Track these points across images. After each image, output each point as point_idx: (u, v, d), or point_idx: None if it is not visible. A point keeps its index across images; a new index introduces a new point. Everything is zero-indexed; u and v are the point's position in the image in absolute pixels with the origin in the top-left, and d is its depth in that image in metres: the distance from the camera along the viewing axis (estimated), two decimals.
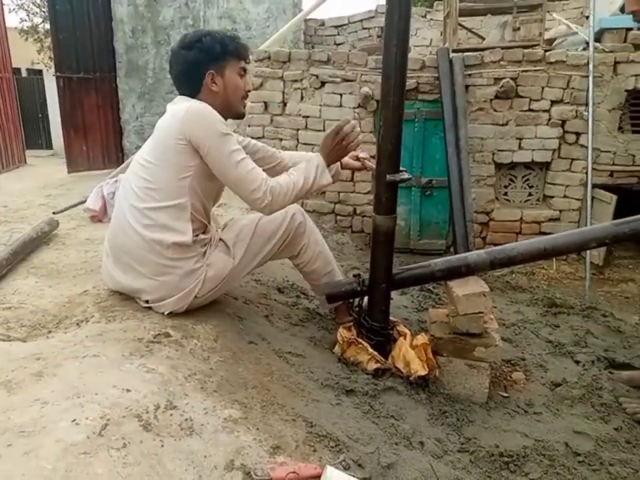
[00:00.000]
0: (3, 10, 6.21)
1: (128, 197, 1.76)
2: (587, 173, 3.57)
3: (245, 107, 1.88)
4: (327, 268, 2.06)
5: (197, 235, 1.77)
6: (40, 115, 11.47)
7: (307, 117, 3.85)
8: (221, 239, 1.89)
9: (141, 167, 1.75)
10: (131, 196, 1.74)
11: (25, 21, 12.16)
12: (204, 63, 1.72)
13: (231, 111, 1.81)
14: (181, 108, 1.67)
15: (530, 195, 3.88)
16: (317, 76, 3.78)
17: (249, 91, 1.86)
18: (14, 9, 11.89)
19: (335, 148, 1.80)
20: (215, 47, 1.72)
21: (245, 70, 1.82)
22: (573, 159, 3.67)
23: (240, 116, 1.88)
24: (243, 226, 1.92)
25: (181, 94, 1.80)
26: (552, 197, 3.77)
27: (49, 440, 1.05)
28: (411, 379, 1.81)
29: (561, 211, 3.74)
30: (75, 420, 1.12)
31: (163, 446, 1.13)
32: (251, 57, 1.89)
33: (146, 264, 1.72)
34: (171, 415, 1.24)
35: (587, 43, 3.55)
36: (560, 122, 3.62)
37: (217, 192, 1.90)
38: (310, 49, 6.09)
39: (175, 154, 1.66)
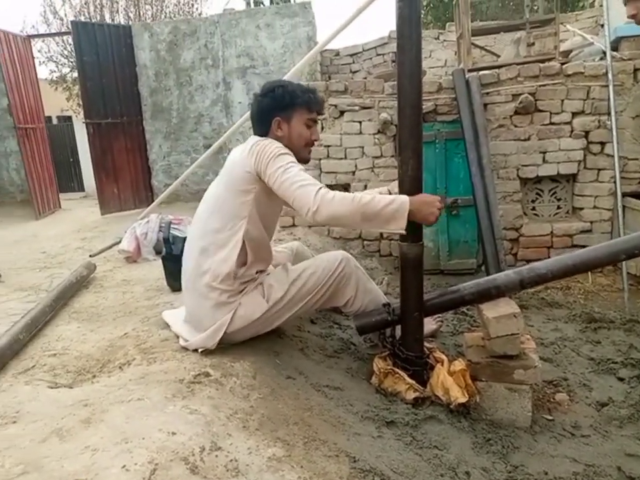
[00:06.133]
0: (35, 68, 6.54)
1: (196, 229, 1.96)
2: (615, 182, 3.52)
3: (310, 153, 2.00)
4: None
5: (240, 267, 1.85)
6: (71, 160, 11.91)
7: (329, 146, 3.92)
8: (261, 283, 1.93)
9: (210, 198, 1.94)
10: (199, 229, 1.93)
11: (55, 72, 12.80)
12: (273, 110, 1.90)
13: (294, 155, 1.87)
14: (250, 143, 1.86)
15: (559, 207, 3.82)
16: (335, 106, 3.85)
17: (315, 140, 1.97)
18: (44, 62, 12.53)
19: (430, 208, 1.74)
20: (285, 97, 1.89)
21: (313, 121, 1.96)
22: (599, 169, 3.63)
23: (303, 161, 1.97)
24: (285, 274, 1.95)
25: (254, 133, 1.98)
26: (581, 208, 3.72)
27: None
28: (451, 406, 1.79)
29: (592, 222, 3.68)
30: (124, 466, 1.15)
31: None
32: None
33: (192, 284, 1.91)
34: (216, 456, 1.25)
35: (604, 53, 3.53)
36: (583, 133, 3.59)
37: (275, 221, 2.04)
38: (327, 78, 6.22)
39: (240, 180, 1.83)
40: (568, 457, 1.69)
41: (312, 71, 5.71)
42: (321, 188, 1.69)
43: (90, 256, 3.66)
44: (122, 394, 1.51)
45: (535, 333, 2.70)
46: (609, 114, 3.50)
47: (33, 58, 6.60)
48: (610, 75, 3.44)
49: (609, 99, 3.48)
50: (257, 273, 1.96)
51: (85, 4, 12.23)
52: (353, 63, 6.50)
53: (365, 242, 3.99)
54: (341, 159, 3.91)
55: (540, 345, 2.51)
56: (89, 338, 2.05)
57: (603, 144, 3.59)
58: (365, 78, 5.87)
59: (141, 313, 2.30)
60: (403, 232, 1.75)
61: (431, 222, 1.76)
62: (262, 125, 1.93)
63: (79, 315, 2.36)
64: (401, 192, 1.90)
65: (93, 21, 11.53)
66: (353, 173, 3.91)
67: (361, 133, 3.87)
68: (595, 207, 3.68)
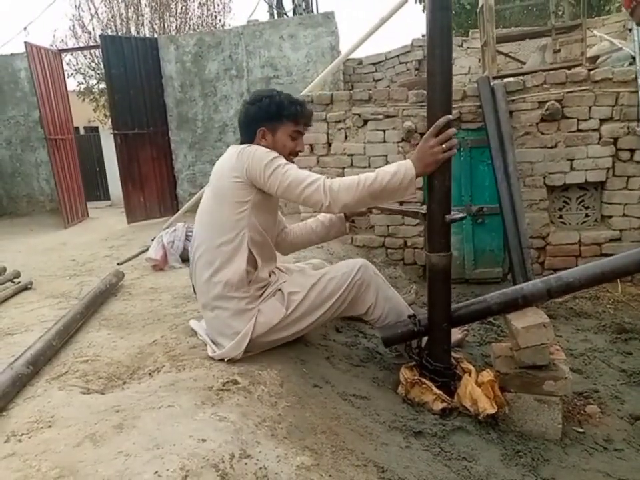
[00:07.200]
0: (65, 81, 6.73)
1: (195, 241, 1.97)
2: None
3: (293, 162, 1.98)
4: None
5: (250, 271, 1.86)
6: (97, 169, 12.18)
7: (352, 155, 3.93)
8: (279, 289, 1.95)
9: (205, 214, 1.94)
10: (201, 246, 1.92)
11: (82, 84, 13.13)
12: (259, 120, 1.89)
13: None
14: (235, 151, 1.86)
15: (587, 216, 3.76)
16: (359, 115, 3.87)
17: (299, 151, 1.98)
18: (72, 74, 12.88)
19: (429, 149, 1.75)
20: (271, 108, 1.87)
21: (299, 132, 1.95)
22: (629, 177, 3.56)
23: None
24: (304, 278, 1.98)
25: (240, 139, 1.98)
26: (610, 216, 3.65)
27: None
28: (479, 417, 1.77)
29: (621, 230, 3.61)
30: (156, 472, 1.17)
31: None
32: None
33: (204, 295, 1.92)
34: (246, 464, 1.26)
35: (634, 58, 3.48)
36: (612, 140, 3.53)
37: (273, 220, 2.01)
38: (349, 87, 6.25)
39: (232, 191, 1.82)
40: (601, 471, 1.65)
41: (335, 80, 5.74)
42: (324, 181, 1.73)
43: (117, 264, 3.73)
44: (152, 400, 1.54)
45: (564, 343, 2.65)
46: (638, 120, 3.44)
47: (63, 71, 6.79)
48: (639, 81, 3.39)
49: (638, 104, 3.42)
50: (269, 275, 1.99)
51: (112, 17, 12.54)
52: (376, 71, 6.51)
53: (389, 250, 3.98)
54: (365, 167, 3.91)
55: (569, 356, 2.47)
56: (118, 345, 2.08)
57: (632, 151, 3.52)
58: (388, 86, 5.88)
59: (169, 321, 2.33)
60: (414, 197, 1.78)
61: (440, 160, 1.76)
62: (247, 132, 1.93)
63: (109, 322, 2.41)
64: (431, 202, 1.90)
65: (119, 33, 11.82)
66: None
67: (384, 141, 3.87)
68: (624, 215, 3.61)
